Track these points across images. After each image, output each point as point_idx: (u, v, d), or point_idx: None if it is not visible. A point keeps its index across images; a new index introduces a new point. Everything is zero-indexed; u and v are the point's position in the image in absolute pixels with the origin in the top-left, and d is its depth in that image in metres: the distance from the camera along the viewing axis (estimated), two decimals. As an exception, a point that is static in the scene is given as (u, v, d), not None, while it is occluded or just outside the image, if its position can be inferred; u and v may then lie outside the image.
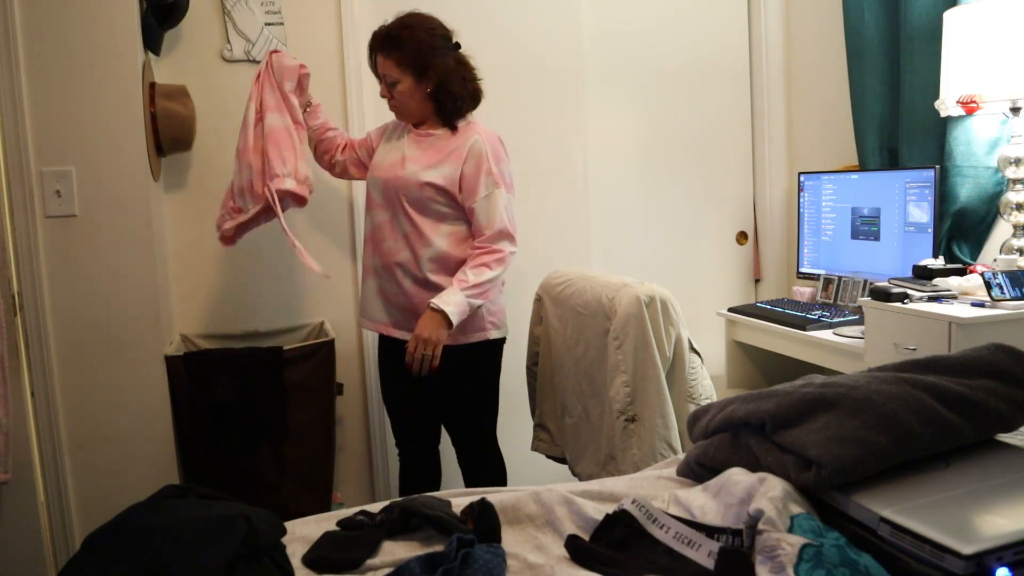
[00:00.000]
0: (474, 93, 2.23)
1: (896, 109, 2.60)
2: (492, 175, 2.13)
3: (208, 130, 2.57)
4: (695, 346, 2.07)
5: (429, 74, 2.14)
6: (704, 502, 1.16)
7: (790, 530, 0.99)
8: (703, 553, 1.04)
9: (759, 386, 2.33)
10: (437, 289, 2.12)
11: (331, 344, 2.45)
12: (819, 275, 2.76)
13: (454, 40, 2.24)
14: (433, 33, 2.18)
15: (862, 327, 2.15)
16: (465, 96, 2.19)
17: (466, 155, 2.13)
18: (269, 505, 1.28)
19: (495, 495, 1.25)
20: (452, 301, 2.05)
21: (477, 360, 2.24)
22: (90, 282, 2.18)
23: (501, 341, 2.29)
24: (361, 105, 2.73)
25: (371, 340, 2.79)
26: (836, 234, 2.73)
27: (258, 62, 2.62)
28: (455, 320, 2.05)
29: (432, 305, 2.05)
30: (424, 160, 2.16)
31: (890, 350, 1.97)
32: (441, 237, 2.15)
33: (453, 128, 2.20)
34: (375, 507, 1.29)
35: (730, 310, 2.79)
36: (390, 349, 2.29)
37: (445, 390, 2.25)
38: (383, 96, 2.21)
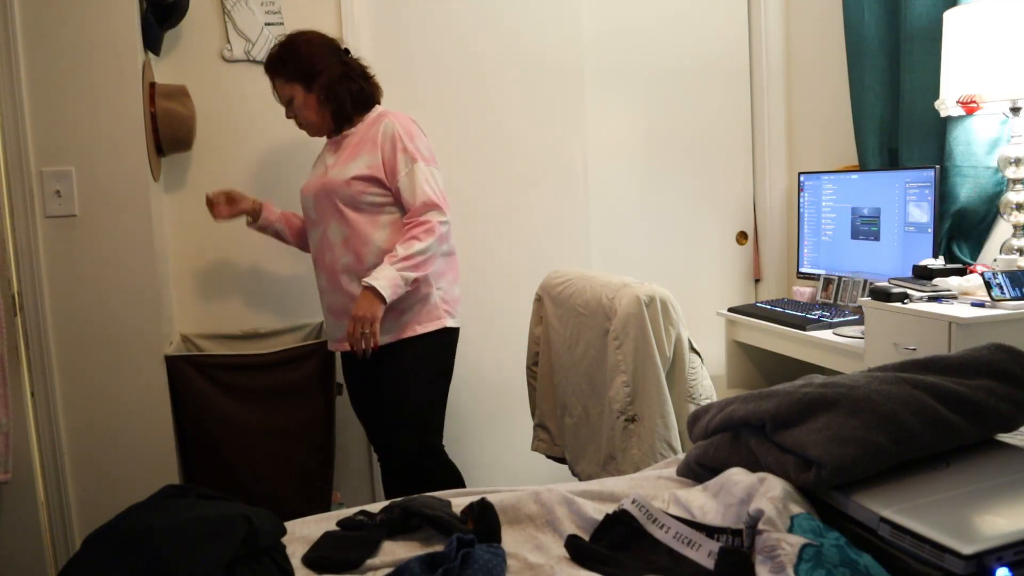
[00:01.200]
0: (360, 92, 2.23)
1: (896, 109, 2.60)
2: (408, 151, 2.14)
3: (208, 130, 2.57)
4: (695, 346, 2.07)
5: (317, 82, 2.19)
6: (704, 502, 1.16)
7: (790, 530, 0.99)
8: (703, 553, 1.04)
9: (759, 386, 2.33)
10: None
11: (331, 344, 2.45)
12: (819, 275, 2.76)
13: (343, 47, 2.30)
14: (312, 43, 2.24)
15: (862, 327, 2.15)
16: (353, 94, 2.22)
17: (380, 140, 2.16)
18: (269, 505, 1.28)
19: (495, 495, 1.25)
20: (382, 276, 2.06)
21: (432, 350, 2.25)
22: (90, 282, 2.18)
23: (456, 331, 2.31)
24: (361, 105, 2.72)
25: (371, 340, 2.79)
26: (836, 234, 2.73)
27: (258, 62, 2.63)
28: (387, 294, 2.05)
29: (364, 283, 2.06)
30: (343, 159, 2.19)
31: (890, 350, 1.97)
32: (381, 230, 2.17)
33: (359, 118, 2.24)
34: (375, 507, 1.29)
35: (730, 310, 2.79)
36: (350, 360, 2.30)
37: (399, 382, 2.23)
38: (288, 118, 2.28)
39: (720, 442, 1.29)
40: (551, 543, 1.16)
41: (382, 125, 2.18)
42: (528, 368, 2.53)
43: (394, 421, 2.24)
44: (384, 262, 2.09)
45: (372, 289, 2.05)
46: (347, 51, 2.30)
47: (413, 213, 2.14)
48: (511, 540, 1.17)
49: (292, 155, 2.69)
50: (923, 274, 2.12)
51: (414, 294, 2.16)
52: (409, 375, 2.22)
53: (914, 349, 1.90)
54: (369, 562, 1.13)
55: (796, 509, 1.04)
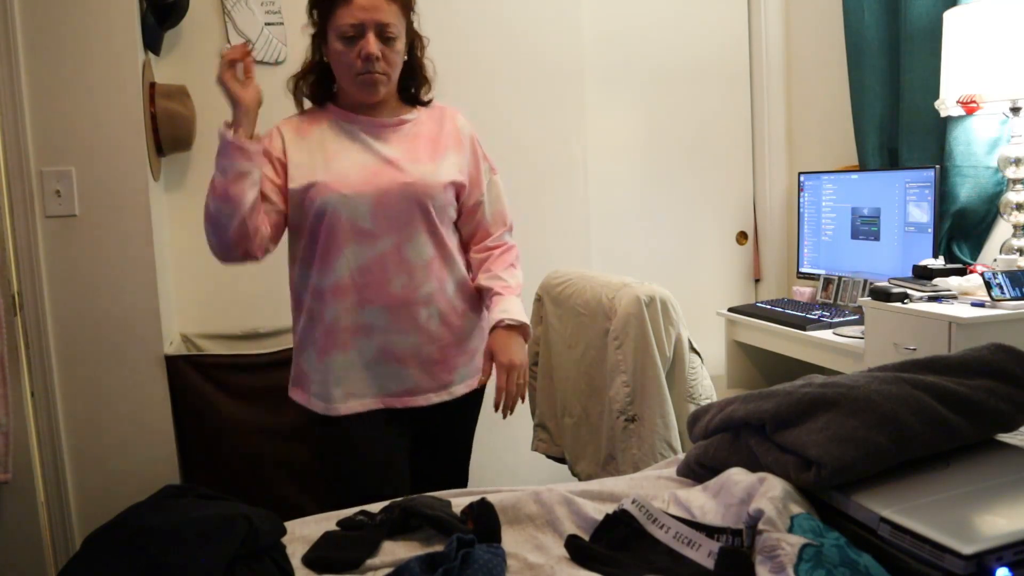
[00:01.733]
0: (429, 68, 1.76)
1: (896, 109, 2.60)
2: (488, 160, 1.79)
3: (208, 130, 2.56)
4: (695, 346, 2.07)
5: (410, 28, 1.70)
6: (704, 502, 1.16)
7: (790, 530, 0.99)
8: (703, 553, 1.04)
9: (759, 386, 2.33)
10: (463, 328, 1.73)
11: (331, 344, 2.45)
12: (819, 275, 2.76)
13: None
14: None
15: (862, 327, 2.15)
16: (426, 66, 1.75)
17: (463, 139, 1.74)
18: (269, 505, 1.28)
19: (495, 495, 1.25)
20: (517, 310, 1.67)
21: (475, 404, 1.85)
22: (90, 282, 2.18)
23: None
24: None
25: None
26: (836, 234, 2.73)
27: (258, 62, 2.62)
28: (531, 332, 1.70)
29: (507, 321, 1.63)
30: (424, 155, 1.68)
31: (890, 350, 1.97)
32: (458, 252, 1.75)
33: (424, 104, 1.76)
34: (375, 507, 1.29)
35: (730, 310, 2.79)
36: (393, 418, 1.71)
37: (467, 437, 1.88)
38: (364, 57, 1.58)
39: (720, 442, 1.29)
40: (551, 543, 1.16)
41: (458, 120, 1.75)
42: (528, 368, 2.53)
43: (453, 480, 1.81)
44: (502, 293, 1.69)
45: (519, 327, 1.65)
46: None
47: (498, 235, 1.79)
48: (511, 540, 1.17)
49: (292, 155, 2.68)
50: (923, 274, 2.12)
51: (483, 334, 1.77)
52: (472, 430, 1.88)
53: (914, 349, 1.90)
54: (369, 562, 1.13)
55: (796, 509, 1.04)
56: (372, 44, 1.57)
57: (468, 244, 1.79)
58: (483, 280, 1.74)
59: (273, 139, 1.69)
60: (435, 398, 1.71)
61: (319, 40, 1.65)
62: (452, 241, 1.72)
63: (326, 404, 1.67)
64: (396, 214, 1.63)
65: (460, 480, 1.87)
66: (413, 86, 1.73)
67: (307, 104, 1.75)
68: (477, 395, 1.81)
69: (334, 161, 1.63)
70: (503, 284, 1.71)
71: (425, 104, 1.75)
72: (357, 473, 1.68)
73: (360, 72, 1.60)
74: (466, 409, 1.81)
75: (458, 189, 1.71)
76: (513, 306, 1.67)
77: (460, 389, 1.75)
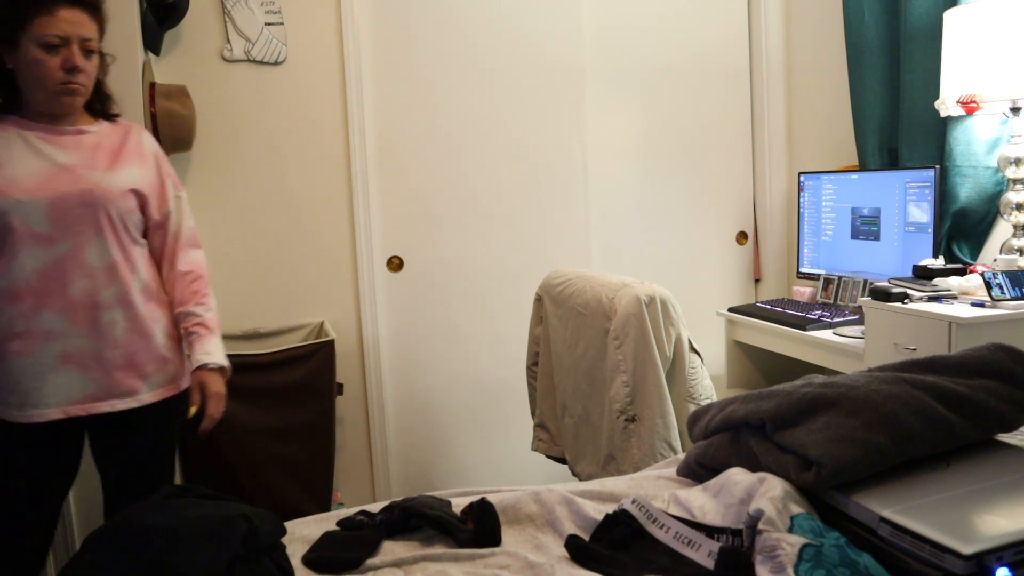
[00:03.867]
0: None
1: (896, 109, 2.60)
2: (173, 176, 1.83)
3: (208, 130, 2.57)
4: (695, 346, 2.07)
5: (101, 40, 1.74)
6: (704, 502, 1.16)
7: (790, 530, 0.99)
8: (703, 553, 1.04)
9: (759, 386, 2.33)
10: (149, 327, 1.73)
11: (331, 344, 2.45)
12: (819, 275, 2.76)
13: None
14: None
15: (862, 327, 2.15)
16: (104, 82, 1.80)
17: (148, 153, 1.79)
18: (269, 505, 1.28)
19: (495, 495, 1.25)
20: (219, 352, 1.78)
21: (167, 413, 1.80)
22: (90, 282, 2.17)
23: None
24: (362, 106, 2.72)
25: (372, 340, 2.80)
26: (836, 234, 2.73)
27: (258, 62, 2.63)
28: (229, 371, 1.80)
29: (211, 365, 1.74)
30: (102, 164, 1.70)
31: (890, 350, 1.97)
32: (143, 262, 1.76)
33: (110, 118, 1.79)
34: (375, 507, 1.29)
35: (730, 310, 2.79)
36: (75, 430, 1.71)
37: (157, 449, 1.82)
38: (68, 68, 1.62)
39: (720, 442, 1.29)
40: (551, 543, 1.16)
41: (143, 136, 1.81)
42: (528, 368, 2.53)
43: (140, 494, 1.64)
44: (201, 333, 1.77)
45: (220, 370, 1.77)
46: None
47: (195, 260, 1.83)
48: (511, 540, 1.17)
49: (293, 155, 2.69)
50: (923, 274, 2.12)
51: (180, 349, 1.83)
52: (168, 440, 1.84)
53: (914, 349, 1.90)
54: (369, 562, 1.13)
55: (796, 509, 1.04)
56: (77, 56, 1.63)
57: (159, 260, 1.81)
58: (179, 314, 1.79)
59: None
60: (121, 404, 1.70)
61: (3, 46, 1.63)
62: (138, 248, 1.75)
63: (1, 410, 1.65)
64: (75, 219, 1.64)
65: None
66: (98, 101, 1.77)
67: None
68: (169, 405, 1.78)
69: (7, 167, 1.63)
70: (197, 321, 1.78)
71: (111, 118, 1.79)
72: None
73: (62, 82, 1.63)
74: (158, 418, 1.77)
75: (141, 200, 1.74)
76: (214, 347, 1.77)
77: (149, 397, 1.73)
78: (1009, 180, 2.18)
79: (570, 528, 1.18)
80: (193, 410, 1.73)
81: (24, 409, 1.63)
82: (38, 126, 1.68)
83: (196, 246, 1.85)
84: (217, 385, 1.75)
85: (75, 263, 1.65)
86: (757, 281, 3.32)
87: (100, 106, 1.78)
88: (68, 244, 1.64)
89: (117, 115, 1.81)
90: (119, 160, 1.73)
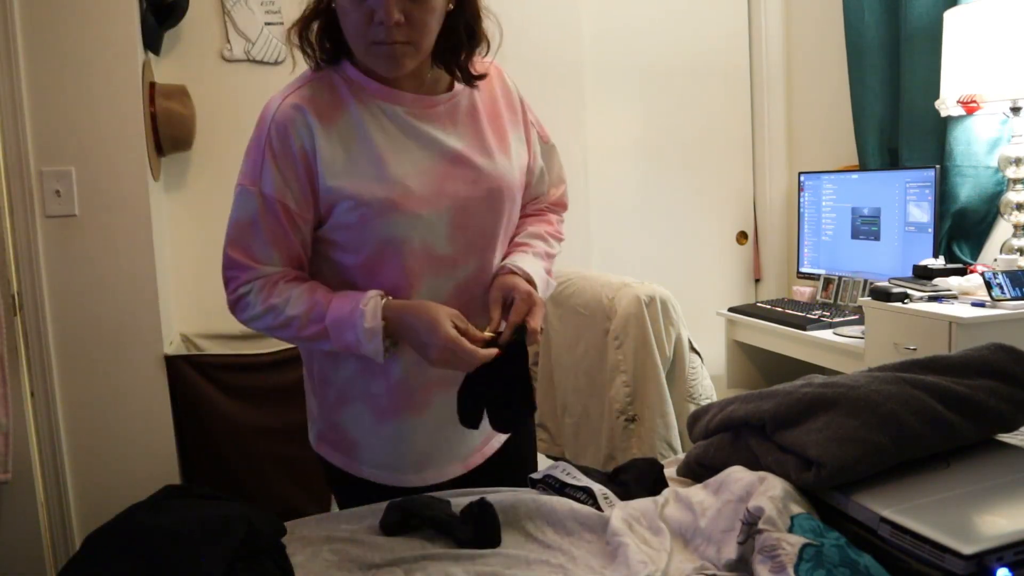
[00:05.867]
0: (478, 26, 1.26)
1: (896, 109, 2.60)
2: (537, 121, 1.39)
3: (208, 130, 2.57)
4: (695, 346, 2.07)
5: None
6: (704, 498, 1.16)
7: (790, 530, 0.99)
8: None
9: (759, 386, 2.33)
10: None
11: (331, 344, 2.45)
12: (819, 275, 2.76)
13: None
14: None
15: (862, 327, 2.15)
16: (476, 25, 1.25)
17: (519, 104, 1.34)
18: (269, 505, 1.28)
19: (495, 495, 1.25)
20: (528, 264, 1.28)
21: None
22: (90, 282, 2.18)
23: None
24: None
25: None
26: (836, 234, 2.73)
27: (258, 62, 2.62)
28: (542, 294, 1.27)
29: (517, 269, 1.25)
30: (494, 139, 1.26)
31: (890, 350, 1.97)
32: None
33: (477, 78, 1.25)
34: (377, 507, 1.29)
35: (730, 310, 2.79)
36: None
37: None
38: (385, 22, 1.09)
39: (720, 442, 1.29)
40: (551, 543, 1.16)
41: (505, 75, 1.34)
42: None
43: None
44: (526, 252, 1.31)
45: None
46: None
47: (557, 201, 1.44)
48: (511, 540, 1.17)
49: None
50: (923, 274, 2.12)
51: None
52: None
53: (914, 349, 1.90)
54: (369, 561, 1.13)
55: (796, 509, 1.04)
56: (389, 6, 1.08)
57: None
58: (532, 228, 1.34)
59: (294, 133, 1.15)
60: (503, 435, 1.41)
61: None
62: None
63: (398, 475, 1.33)
64: (478, 231, 1.23)
65: None
66: (461, 48, 1.21)
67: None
68: None
69: (391, 164, 1.16)
70: (544, 245, 1.35)
71: (479, 78, 1.24)
72: None
73: (372, 41, 1.12)
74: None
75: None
76: (533, 265, 1.29)
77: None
78: (1009, 180, 2.18)
79: (571, 528, 1.18)
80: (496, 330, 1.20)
81: (423, 472, 1.33)
82: (403, 94, 1.18)
83: (561, 204, 1.44)
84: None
85: (479, 288, 1.24)
86: (757, 281, 3.32)
87: (463, 57, 1.22)
88: (471, 266, 1.23)
89: (484, 75, 1.26)
90: (505, 132, 1.27)
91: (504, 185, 1.24)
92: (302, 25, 1.19)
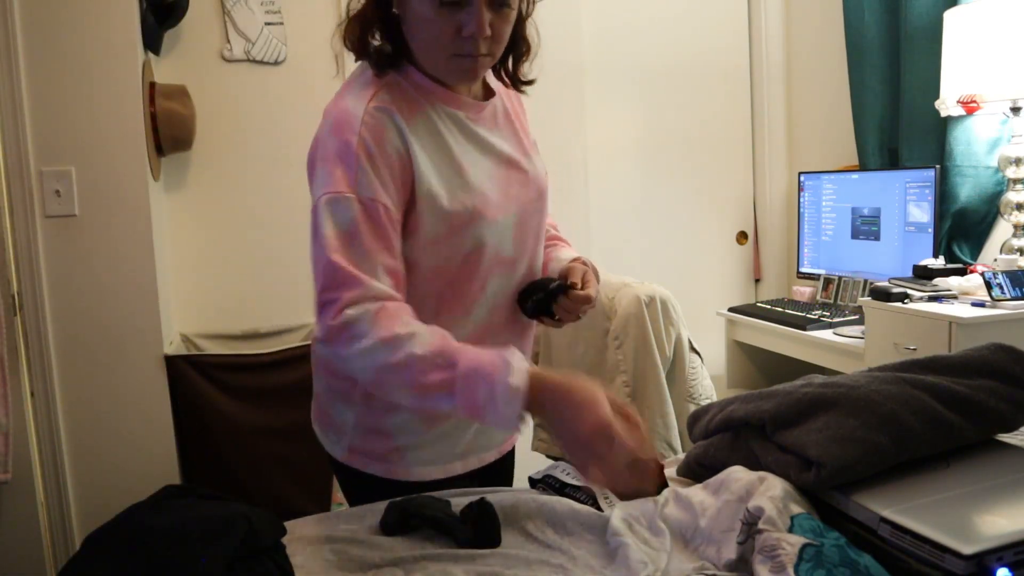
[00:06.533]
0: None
1: (896, 109, 2.60)
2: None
3: (208, 130, 2.57)
4: (695, 346, 2.07)
5: None
6: (704, 498, 1.16)
7: (790, 530, 0.99)
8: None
9: (759, 386, 2.33)
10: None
11: (331, 344, 2.45)
12: (819, 275, 2.76)
13: None
14: None
15: (862, 327, 2.15)
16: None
17: (523, 114, 1.41)
18: (269, 505, 1.28)
19: (495, 495, 1.25)
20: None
21: None
22: (90, 282, 2.18)
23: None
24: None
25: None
26: (836, 234, 2.73)
27: (258, 62, 2.62)
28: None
29: (587, 261, 1.36)
30: (526, 140, 1.34)
31: (890, 350, 1.97)
32: None
33: (526, 84, 1.34)
34: (378, 507, 1.29)
35: (730, 310, 2.79)
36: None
37: None
38: (469, 36, 1.10)
39: (720, 442, 1.29)
40: (551, 543, 1.16)
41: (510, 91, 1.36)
42: (528, 368, 2.53)
43: None
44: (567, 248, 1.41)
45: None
46: None
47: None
48: (511, 540, 1.17)
49: (293, 155, 2.68)
50: (923, 274, 2.12)
51: None
52: None
53: (914, 349, 1.90)
54: (369, 561, 1.13)
55: (796, 509, 1.04)
56: (483, 20, 1.08)
57: None
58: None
59: (388, 136, 1.11)
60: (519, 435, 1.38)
61: None
62: None
63: (445, 467, 1.33)
64: (532, 231, 1.27)
65: None
66: (519, 56, 1.26)
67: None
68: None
69: (470, 171, 1.17)
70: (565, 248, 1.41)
71: (529, 83, 1.30)
72: None
73: (457, 53, 1.12)
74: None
75: None
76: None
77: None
78: (1009, 180, 2.18)
79: (571, 528, 1.18)
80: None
81: (465, 459, 1.34)
82: (464, 99, 1.20)
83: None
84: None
85: (524, 284, 1.29)
86: (757, 281, 3.32)
87: (513, 66, 1.26)
88: (525, 264, 1.27)
89: (532, 80, 1.34)
90: (528, 132, 1.33)
91: (544, 185, 1.30)
92: (360, 29, 1.17)
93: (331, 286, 1.05)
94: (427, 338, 1.03)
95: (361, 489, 1.36)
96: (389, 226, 1.09)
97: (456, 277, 1.18)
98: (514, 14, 1.15)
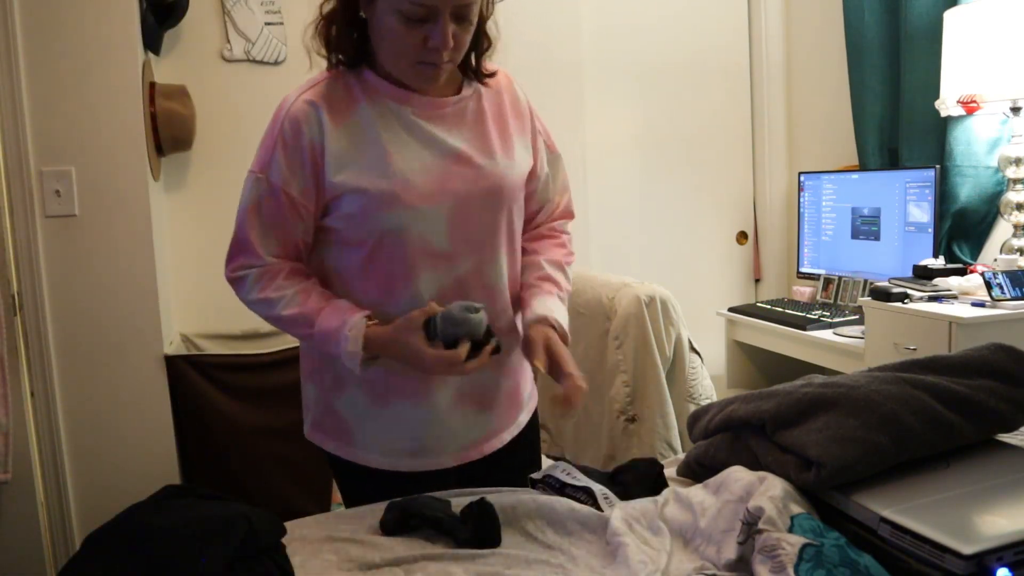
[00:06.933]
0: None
1: (896, 109, 2.60)
2: (544, 130, 1.43)
3: (208, 130, 2.57)
4: (695, 346, 2.07)
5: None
6: (704, 498, 1.16)
7: (790, 530, 0.99)
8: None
9: (759, 386, 2.33)
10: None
11: (331, 344, 2.45)
12: (819, 275, 2.76)
13: None
14: None
15: (862, 327, 2.15)
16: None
17: (526, 108, 1.39)
18: (269, 505, 1.28)
19: (495, 495, 1.25)
20: (562, 315, 1.33)
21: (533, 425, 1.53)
22: (90, 282, 2.18)
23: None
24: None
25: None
26: (836, 234, 2.73)
27: (258, 62, 2.62)
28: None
29: (554, 322, 1.29)
30: (498, 140, 1.31)
31: (890, 350, 1.97)
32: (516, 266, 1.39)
33: (487, 76, 1.33)
34: (377, 507, 1.29)
35: (730, 310, 2.79)
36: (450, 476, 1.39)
37: None
38: (434, 48, 1.17)
39: (720, 442, 1.29)
40: (551, 543, 1.16)
41: (515, 85, 1.39)
42: (528, 368, 2.53)
43: None
44: (549, 292, 1.35)
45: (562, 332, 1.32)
46: None
47: (560, 213, 1.47)
48: (511, 540, 1.17)
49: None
50: (923, 274, 2.12)
51: None
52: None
53: (914, 349, 1.90)
54: (369, 561, 1.13)
55: (796, 509, 1.04)
56: (447, 33, 1.15)
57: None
58: (542, 266, 1.38)
59: (306, 128, 1.24)
60: (507, 436, 1.42)
61: None
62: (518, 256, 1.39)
63: (391, 460, 1.35)
64: (477, 228, 1.28)
65: None
66: (475, 52, 1.29)
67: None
68: (534, 416, 1.53)
69: (395, 157, 1.22)
70: (556, 279, 1.37)
71: (488, 76, 1.32)
72: None
73: (421, 61, 1.19)
74: (528, 433, 1.50)
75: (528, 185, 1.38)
76: (557, 308, 1.33)
77: (524, 417, 1.47)
78: (1009, 180, 2.18)
79: (571, 528, 1.18)
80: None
81: (417, 458, 1.35)
82: (413, 96, 1.25)
83: (568, 214, 1.47)
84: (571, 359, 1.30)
85: (478, 284, 1.29)
86: (757, 281, 3.32)
87: (476, 60, 1.30)
88: (469, 263, 1.28)
89: (493, 73, 1.34)
90: (509, 135, 1.32)
91: (504, 184, 1.29)
92: (325, 28, 1.26)
93: (234, 247, 1.31)
94: (293, 300, 1.26)
95: (331, 466, 1.46)
96: (289, 210, 1.25)
97: (376, 260, 1.26)
98: (474, 22, 1.22)
